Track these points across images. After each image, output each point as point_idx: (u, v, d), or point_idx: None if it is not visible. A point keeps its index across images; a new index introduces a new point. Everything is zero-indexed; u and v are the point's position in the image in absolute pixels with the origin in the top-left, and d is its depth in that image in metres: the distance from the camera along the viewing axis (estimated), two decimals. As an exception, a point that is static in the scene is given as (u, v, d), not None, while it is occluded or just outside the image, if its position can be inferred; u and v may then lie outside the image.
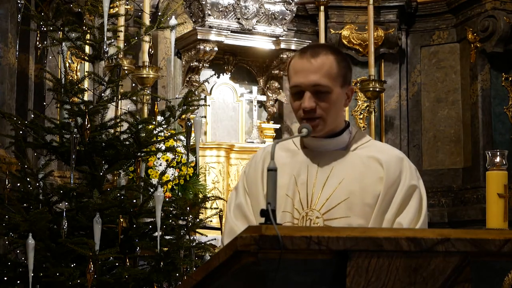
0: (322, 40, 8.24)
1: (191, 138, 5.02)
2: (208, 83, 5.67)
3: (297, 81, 2.63)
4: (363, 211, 2.62)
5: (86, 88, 5.23)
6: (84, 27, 4.98)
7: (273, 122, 8.07)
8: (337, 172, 2.66)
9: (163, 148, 6.39)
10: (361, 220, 2.61)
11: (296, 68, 2.65)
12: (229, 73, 8.00)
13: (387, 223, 2.61)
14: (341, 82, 2.66)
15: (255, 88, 8.00)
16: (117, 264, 4.60)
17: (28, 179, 4.61)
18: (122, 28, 5.86)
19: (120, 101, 4.90)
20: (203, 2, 7.48)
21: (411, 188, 2.65)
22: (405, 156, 2.75)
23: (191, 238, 4.91)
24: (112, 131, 4.89)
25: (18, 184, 4.63)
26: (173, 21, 5.22)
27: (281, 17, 7.85)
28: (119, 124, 5.03)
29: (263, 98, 8.03)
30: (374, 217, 2.61)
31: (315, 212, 2.64)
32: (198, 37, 7.37)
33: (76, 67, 7.32)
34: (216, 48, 7.47)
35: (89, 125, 4.46)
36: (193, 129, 4.98)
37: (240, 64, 8.10)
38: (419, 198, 2.66)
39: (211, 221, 5.68)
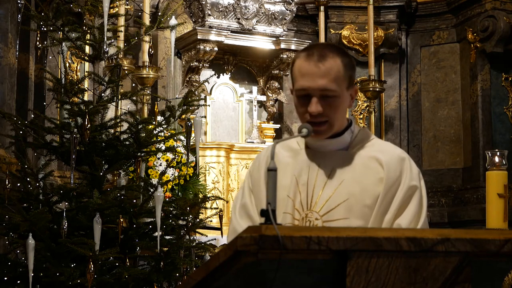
0: (322, 40, 8.24)
1: (191, 138, 5.02)
2: (208, 83, 5.67)
3: (304, 84, 2.59)
4: (362, 212, 2.60)
5: (86, 88, 5.23)
6: (84, 27, 4.98)
7: (273, 122, 8.07)
8: (337, 173, 2.65)
9: (163, 148, 6.39)
10: (360, 221, 2.60)
11: (302, 70, 2.59)
12: (229, 73, 8.00)
13: (387, 224, 2.59)
14: (346, 85, 2.63)
15: (255, 88, 8.00)
16: (117, 264, 4.60)
17: (28, 179, 4.61)
18: (122, 28, 5.85)
19: (120, 101, 4.90)
20: (203, 2, 7.48)
21: (411, 188, 2.62)
22: (407, 156, 2.71)
23: (191, 238, 4.91)
24: (112, 131, 4.89)
25: (18, 184, 4.63)
26: (173, 21, 5.23)
27: (281, 17, 7.85)
28: (119, 124, 5.03)
29: (263, 98, 8.03)
30: (373, 218, 2.60)
31: (315, 214, 2.63)
32: (198, 37, 7.37)
33: (76, 67, 7.32)
34: (216, 48, 7.47)
35: (89, 125, 4.46)
36: (193, 129, 4.98)
37: (240, 64, 8.10)
38: (419, 199, 2.63)
39: (211, 221, 5.69)
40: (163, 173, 5.11)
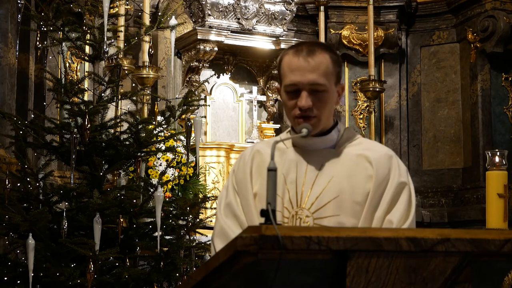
0: (322, 40, 8.23)
1: (191, 138, 5.02)
2: (208, 83, 5.67)
3: (294, 79, 2.62)
4: (353, 210, 2.62)
5: (86, 88, 5.23)
6: (84, 27, 4.98)
7: (273, 122, 8.07)
8: (326, 170, 2.67)
9: (163, 148, 6.39)
10: (351, 218, 2.61)
11: (291, 66, 2.63)
12: (229, 73, 8.00)
13: (377, 221, 2.62)
14: (334, 81, 2.67)
15: (255, 88, 8.00)
16: (117, 264, 4.61)
17: (28, 179, 4.61)
18: (122, 28, 5.86)
19: (120, 101, 4.90)
20: (203, 2, 7.48)
21: (401, 185, 2.66)
22: (394, 153, 2.75)
23: (191, 238, 4.92)
24: (112, 131, 4.89)
25: (18, 184, 4.64)
26: (173, 21, 5.23)
27: (281, 17, 7.86)
28: (119, 124, 5.04)
29: (263, 98, 8.04)
30: (364, 215, 2.62)
31: (305, 211, 2.63)
32: (198, 37, 7.38)
33: (76, 67, 7.32)
34: (216, 48, 7.47)
35: (89, 125, 4.46)
36: (193, 129, 4.98)
37: (240, 64, 8.10)
38: (408, 194, 2.67)
39: (211, 221, 5.68)
40: (163, 173, 5.12)
